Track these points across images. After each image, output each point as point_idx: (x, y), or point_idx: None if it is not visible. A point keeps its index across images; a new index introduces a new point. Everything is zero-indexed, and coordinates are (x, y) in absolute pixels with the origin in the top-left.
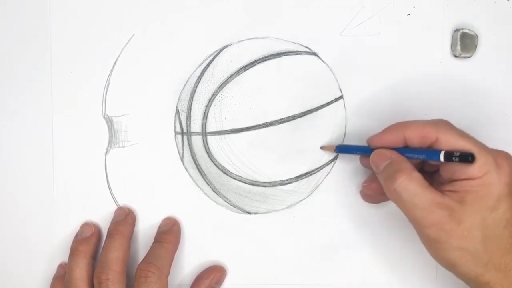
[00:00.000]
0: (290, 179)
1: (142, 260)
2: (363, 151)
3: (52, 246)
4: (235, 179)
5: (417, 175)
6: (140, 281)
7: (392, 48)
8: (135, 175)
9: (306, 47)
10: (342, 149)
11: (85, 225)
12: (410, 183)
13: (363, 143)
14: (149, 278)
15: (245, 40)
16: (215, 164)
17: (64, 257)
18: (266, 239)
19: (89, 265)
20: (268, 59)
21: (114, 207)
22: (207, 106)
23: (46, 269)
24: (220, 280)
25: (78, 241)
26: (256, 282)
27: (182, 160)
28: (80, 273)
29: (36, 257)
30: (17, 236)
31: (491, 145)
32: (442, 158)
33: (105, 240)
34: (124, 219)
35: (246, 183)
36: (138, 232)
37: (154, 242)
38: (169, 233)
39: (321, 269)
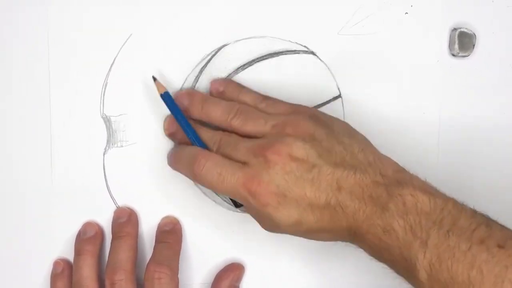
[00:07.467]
0: None
1: (151, 261)
2: (181, 123)
3: (50, 246)
4: None
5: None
6: (153, 283)
7: (390, 47)
8: (134, 174)
9: (304, 46)
10: (167, 99)
11: (88, 224)
12: None
13: None
14: (163, 280)
15: (243, 39)
16: None
17: (62, 256)
18: (266, 237)
19: (97, 265)
20: (266, 58)
21: (113, 207)
22: None
23: (45, 269)
24: (239, 278)
25: (84, 240)
26: (257, 280)
27: None
28: (90, 272)
29: (34, 256)
30: (15, 235)
31: (491, 144)
32: None
33: (113, 241)
34: (128, 219)
35: None
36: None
37: (158, 243)
38: (172, 233)
39: (325, 265)
